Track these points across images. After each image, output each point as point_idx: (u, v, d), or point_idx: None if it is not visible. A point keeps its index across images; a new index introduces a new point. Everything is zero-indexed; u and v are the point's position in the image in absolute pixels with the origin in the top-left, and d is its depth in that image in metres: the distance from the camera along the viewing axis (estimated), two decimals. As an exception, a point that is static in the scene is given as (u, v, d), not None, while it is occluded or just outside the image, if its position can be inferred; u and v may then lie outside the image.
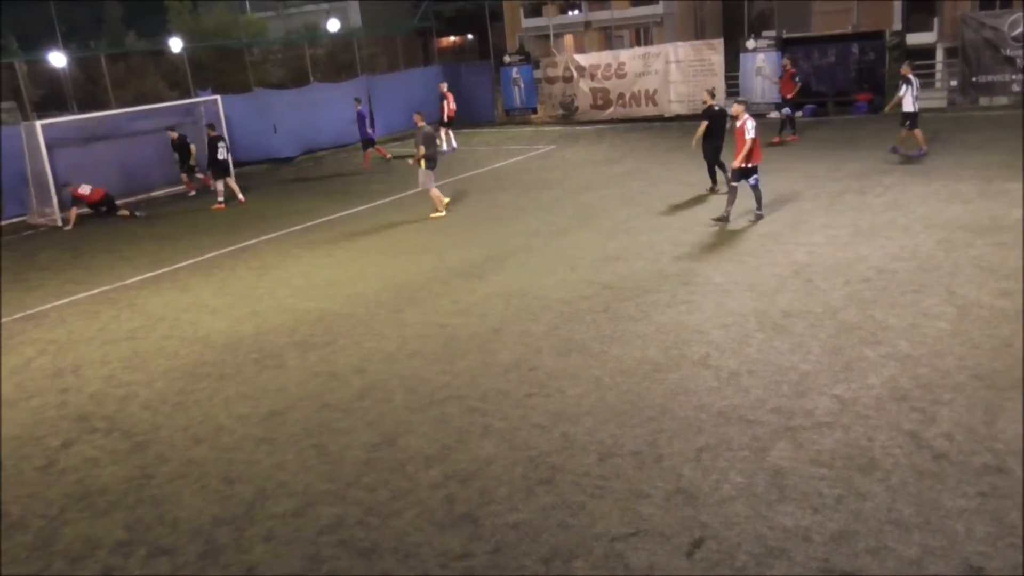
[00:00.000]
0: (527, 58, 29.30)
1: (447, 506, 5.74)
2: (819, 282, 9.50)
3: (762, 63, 24.55)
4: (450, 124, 24.19)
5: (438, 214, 15.12)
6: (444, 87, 24.75)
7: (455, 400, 7.42)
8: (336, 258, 12.94)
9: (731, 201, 12.66)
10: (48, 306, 11.84)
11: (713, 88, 16.86)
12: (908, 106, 15.83)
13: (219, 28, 37.02)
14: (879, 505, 5.26)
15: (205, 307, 11.01)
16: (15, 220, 18.88)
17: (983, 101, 22.49)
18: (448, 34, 39.25)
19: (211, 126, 18.85)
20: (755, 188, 12.62)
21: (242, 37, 33.59)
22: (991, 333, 7.73)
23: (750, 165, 12.42)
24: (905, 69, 16.08)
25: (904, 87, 15.81)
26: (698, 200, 14.47)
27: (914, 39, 24.35)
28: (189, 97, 23.40)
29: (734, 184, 12.60)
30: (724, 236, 11.90)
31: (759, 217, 12.63)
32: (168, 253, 14.28)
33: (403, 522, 5.61)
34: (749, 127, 12.36)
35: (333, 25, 32.72)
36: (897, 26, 24.76)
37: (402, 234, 14.10)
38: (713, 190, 14.91)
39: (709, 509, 5.39)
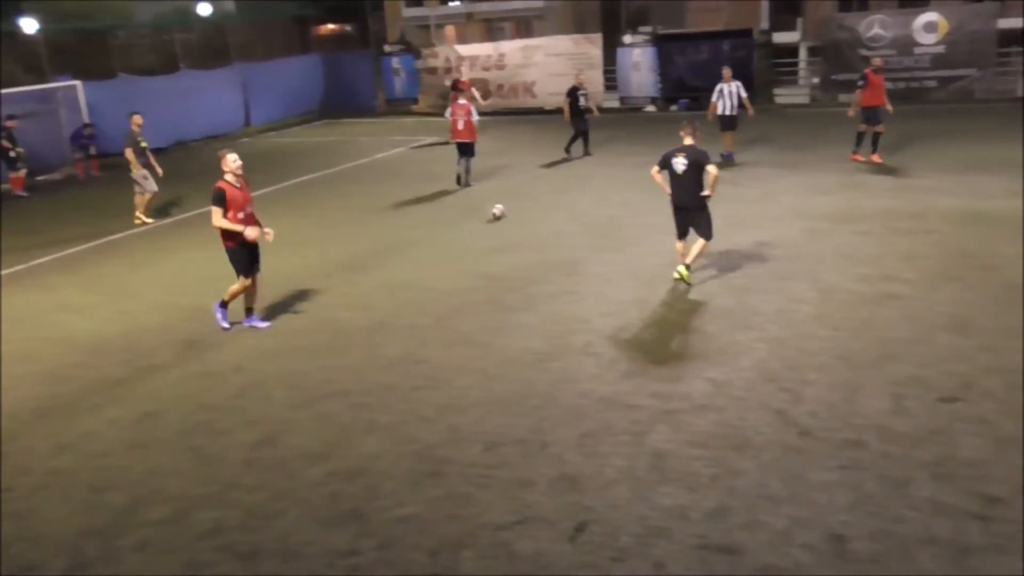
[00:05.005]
0: (408, 48, 29.04)
1: (332, 504, 5.64)
2: (696, 270, 9.84)
3: (639, 58, 25.20)
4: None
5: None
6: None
7: (339, 396, 7.29)
8: (211, 252, 12.38)
9: (467, 170, 15.73)
10: None
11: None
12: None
13: (81, 9, 34.85)
14: (751, 482, 5.52)
15: (69, 306, 10.40)
16: None
17: (842, 98, 23.79)
18: (327, 22, 38.32)
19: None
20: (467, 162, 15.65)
21: (105, 19, 31.79)
22: (851, 315, 8.23)
23: (464, 141, 15.50)
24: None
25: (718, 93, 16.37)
26: (580, 191, 14.72)
27: (780, 38, 25.48)
28: (45, 82, 22.03)
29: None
30: (607, 227, 12.16)
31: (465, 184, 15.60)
32: (27, 248, 13.37)
33: (286, 523, 5.48)
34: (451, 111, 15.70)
35: (205, 9, 31.37)
36: (765, 25, 25.83)
37: (282, 227, 13.63)
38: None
39: (592, 493, 5.52)
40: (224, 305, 9.04)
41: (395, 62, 28.89)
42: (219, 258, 11.96)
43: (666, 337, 8.13)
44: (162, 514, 5.68)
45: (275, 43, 31.61)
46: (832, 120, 20.65)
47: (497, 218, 12.89)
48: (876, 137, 15.00)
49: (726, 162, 15.94)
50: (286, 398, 7.34)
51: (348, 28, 37.59)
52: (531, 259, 10.86)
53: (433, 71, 28.17)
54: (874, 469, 5.56)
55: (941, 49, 22.54)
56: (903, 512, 5.07)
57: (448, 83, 27.47)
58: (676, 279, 9.45)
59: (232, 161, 8.58)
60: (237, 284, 8.85)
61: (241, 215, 8.65)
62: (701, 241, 9.29)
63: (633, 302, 9.04)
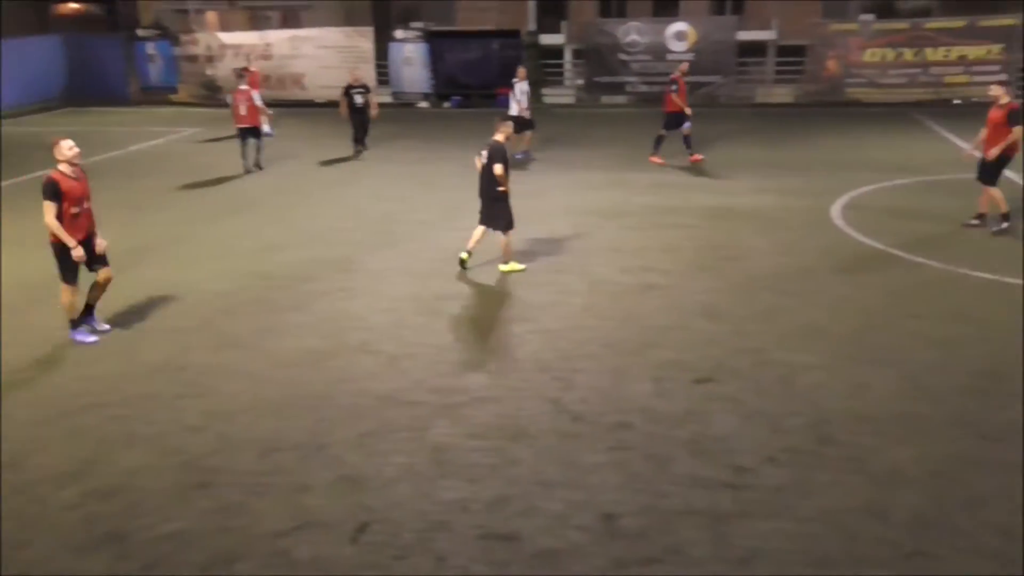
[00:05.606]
0: (165, 33, 27.20)
1: (86, 527, 5.14)
2: (472, 267, 10.00)
3: (411, 53, 25.25)
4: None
5: None
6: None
7: (93, 409, 6.66)
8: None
9: (258, 149, 15.84)
10: None
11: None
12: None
13: None
14: (528, 469, 5.69)
15: None
16: None
17: (604, 99, 25.25)
18: (69, 1, 34.89)
19: None
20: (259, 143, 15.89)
21: None
22: (617, 306, 8.73)
23: (246, 126, 15.56)
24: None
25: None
26: (354, 187, 14.50)
27: (547, 40, 26.47)
28: None
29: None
30: (381, 223, 12.05)
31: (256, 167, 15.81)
32: None
33: (33, 553, 4.92)
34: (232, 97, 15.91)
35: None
36: (532, 26, 26.72)
37: (20, 229, 12.30)
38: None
39: (373, 493, 5.44)
40: (75, 324, 7.97)
41: (150, 48, 26.97)
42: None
43: (443, 332, 8.19)
44: None
45: (5, 21, 28.30)
46: (596, 120, 21.88)
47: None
48: (687, 139, 15.71)
49: (520, 161, 15.86)
50: (30, 415, 6.59)
51: (94, 9, 34.47)
52: (303, 256, 10.53)
53: (193, 59, 26.57)
54: (640, 449, 5.93)
55: (690, 56, 24.47)
56: (666, 487, 5.45)
57: (210, 72, 26.16)
58: (461, 260, 9.84)
59: (68, 149, 7.60)
60: (63, 294, 7.81)
61: (76, 209, 7.62)
62: (502, 237, 9.75)
63: (409, 298, 9.03)
